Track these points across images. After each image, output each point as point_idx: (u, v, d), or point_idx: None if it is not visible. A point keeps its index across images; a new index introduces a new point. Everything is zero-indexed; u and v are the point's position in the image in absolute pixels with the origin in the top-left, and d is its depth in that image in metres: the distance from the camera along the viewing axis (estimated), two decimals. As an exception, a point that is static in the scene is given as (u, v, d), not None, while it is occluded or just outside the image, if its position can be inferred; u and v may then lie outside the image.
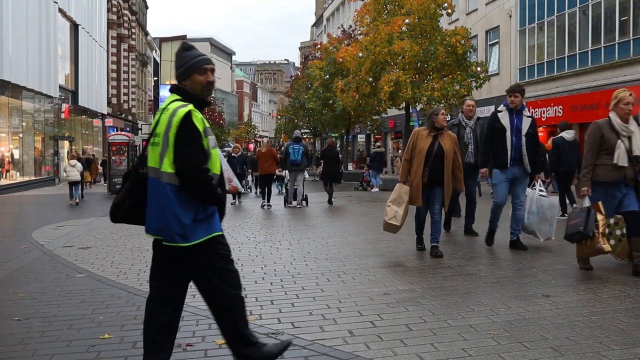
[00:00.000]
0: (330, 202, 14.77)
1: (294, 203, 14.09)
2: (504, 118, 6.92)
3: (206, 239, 3.05)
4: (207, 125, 3.12)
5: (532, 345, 3.63)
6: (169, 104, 3.12)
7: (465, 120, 8.58)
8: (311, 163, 22.46)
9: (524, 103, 7.07)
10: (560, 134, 10.51)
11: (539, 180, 7.20)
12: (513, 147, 6.85)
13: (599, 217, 5.59)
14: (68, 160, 17.85)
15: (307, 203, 14.48)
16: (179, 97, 3.14)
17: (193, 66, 3.15)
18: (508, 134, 6.87)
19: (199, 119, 3.03)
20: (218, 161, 3.16)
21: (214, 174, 3.09)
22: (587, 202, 5.69)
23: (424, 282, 5.44)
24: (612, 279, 5.39)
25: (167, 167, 3.01)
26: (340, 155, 19.22)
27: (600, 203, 5.65)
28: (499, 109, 7.10)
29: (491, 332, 3.90)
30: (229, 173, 3.63)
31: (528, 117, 7.01)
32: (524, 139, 6.87)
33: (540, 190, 7.15)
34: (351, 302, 4.79)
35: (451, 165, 6.74)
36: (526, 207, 7.06)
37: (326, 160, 15.59)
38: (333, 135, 48.23)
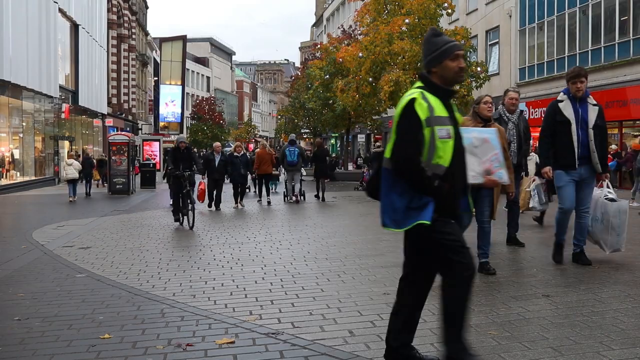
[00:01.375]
0: (317, 196, 15.93)
1: (293, 199, 15.44)
2: (567, 108, 5.86)
3: (414, 226, 3.02)
4: (443, 114, 3.05)
5: (532, 345, 3.62)
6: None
7: (507, 114, 7.22)
8: (306, 163, 23.29)
9: (587, 90, 6.02)
10: None
11: (607, 181, 6.14)
12: (580, 143, 5.81)
13: None
14: (66, 159, 18.72)
15: (304, 198, 15.76)
16: (421, 85, 3.15)
17: (445, 52, 3.11)
18: (573, 127, 5.81)
19: (423, 108, 3.00)
20: (449, 152, 3.05)
21: (437, 165, 3.01)
22: None
23: (424, 282, 5.43)
24: (612, 279, 5.39)
25: (387, 152, 3.11)
26: (333, 155, 20.46)
27: None
28: (559, 98, 6.06)
29: (491, 332, 3.90)
30: (490, 165, 3.47)
31: (594, 105, 5.93)
32: (591, 132, 5.82)
33: (609, 193, 6.12)
34: (351, 302, 4.79)
35: None
36: (590, 213, 6.06)
37: (317, 160, 16.97)
38: (333, 135, 48.28)
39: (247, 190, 18.60)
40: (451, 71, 3.13)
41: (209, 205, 13.91)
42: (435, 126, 3.00)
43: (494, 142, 3.64)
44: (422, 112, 2.99)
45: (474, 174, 3.42)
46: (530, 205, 9.37)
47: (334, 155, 40.59)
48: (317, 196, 15.96)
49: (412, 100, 3.01)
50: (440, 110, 3.05)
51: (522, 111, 7.55)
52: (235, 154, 14.87)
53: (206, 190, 13.75)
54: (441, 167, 3.03)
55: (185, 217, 10.45)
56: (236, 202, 14.39)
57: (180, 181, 10.83)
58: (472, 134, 3.55)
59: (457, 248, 3.04)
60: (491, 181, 3.56)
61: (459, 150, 3.13)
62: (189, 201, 10.41)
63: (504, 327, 3.99)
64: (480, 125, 5.71)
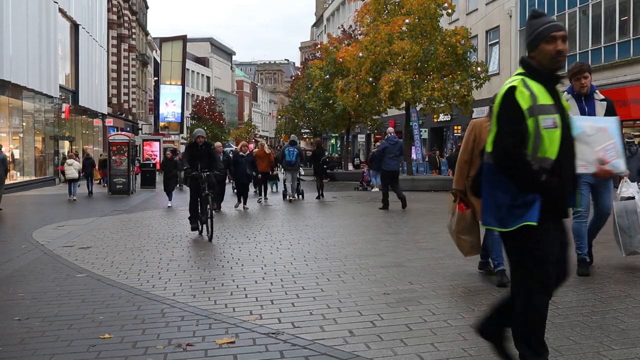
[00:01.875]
0: (318, 197, 16.26)
1: (293, 197, 15.82)
2: (572, 108, 5.29)
3: (518, 228, 2.80)
4: (548, 102, 2.82)
5: (532, 345, 3.62)
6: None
7: None
8: (305, 163, 23.84)
9: (593, 85, 5.61)
10: None
11: (625, 180, 5.72)
12: None
13: None
14: (66, 159, 19.59)
15: (303, 197, 16.20)
16: (522, 71, 2.93)
17: (540, 35, 2.87)
18: None
19: (525, 96, 2.78)
20: (556, 143, 2.80)
21: (543, 158, 2.78)
22: None
23: (424, 282, 5.43)
24: (612, 279, 5.38)
25: (488, 145, 2.91)
26: (335, 155, 21.58)
27: None
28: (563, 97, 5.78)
29: (491, 332, 3.89)
30: (605, 154, 3.20)
31: (602, 100, 5.49)
32: None
33: (625, 191, 5.70)
34: (351, 302, 4.79)
35: None
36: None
37: (315, 159, 17.51)
38: (333, 135, 48.27)
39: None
40: (547, 56, 2.86)
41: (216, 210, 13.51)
42: (539, 115, 2.78)
43: (612, 130, 3.36)
44: (523, 101, 2.78)
45: (584, 163, 3.14)
46: None
47: (335, 155, 40.77)
48: (318, 197, 16.24)
49: (512, 89, 2.81)
50: (544, 98, 2.82)
51: None
52: (241, 153, 14.39)
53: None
54: (548, 160, 2.79)
55: (205, 226, 9.02)
56: (239, 202, 13.91)
57: (198, 183, 9.28)
58: (585, 123, 3.31)
59: (540, 261, 2.82)
60: (605, 171, 3.30)
61: (568, 141, 2.86)
62: (207, 207, 8.90)
63: (504, 327, 3.99)
64: None
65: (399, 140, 13.52)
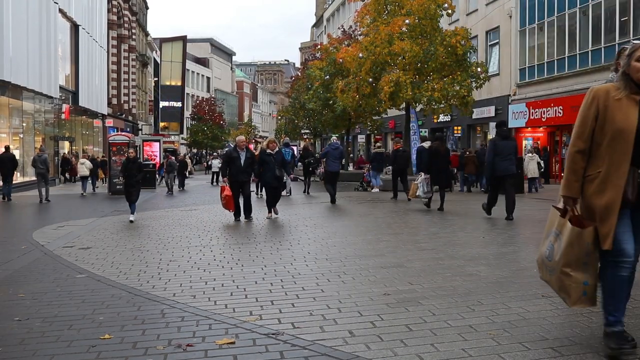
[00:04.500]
0: (305, 191, 19.07)
1: (283, 192, 16.45)
2: None
3: None
4: None
5: (532, 346, 3.62)
6: None
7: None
8: (297, 163, 25.13)
9: None
10: None
11: None
12: None
13: None
14: (79, 159, 23.03)
15: (291, 194, 17.82)
16: None
17: None
18: None
19: None
20: None
21: None
22: None
23: (424, 283, 5.43)
24: (612, 279, 5.38)
25: None
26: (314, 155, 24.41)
27: None
28: None
29: (491, 332, 3.90)
30: None
31: None
32: None
33: None
34: (351, 302, 4.79)
35: None
36: None
37: (303, 161, 20.38)
38: (333, 135, 48.29)
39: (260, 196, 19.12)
40: None
41: (236, 217, 11.38)
42: None
43: None
44: None
45: None
46: (417, 194, 12.60)
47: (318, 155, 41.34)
48: (304, 191, 18.99)
49: None
50: None
51: None
52: (269, 151, 11.92)
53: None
54: None
55: None
56: (270, 211, 11.76)
57: None
58: None
59: None
60: None
61: None
62: None
63: (504, 327, 4.00)
64: (637, 98, 3.24)
65: (340, 146, 16.88)
